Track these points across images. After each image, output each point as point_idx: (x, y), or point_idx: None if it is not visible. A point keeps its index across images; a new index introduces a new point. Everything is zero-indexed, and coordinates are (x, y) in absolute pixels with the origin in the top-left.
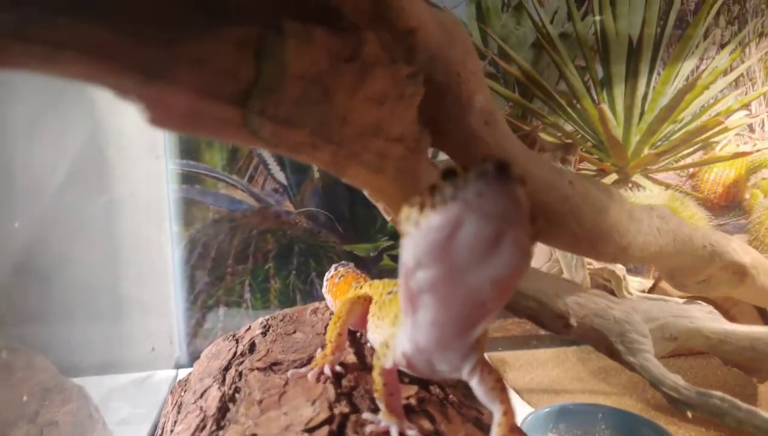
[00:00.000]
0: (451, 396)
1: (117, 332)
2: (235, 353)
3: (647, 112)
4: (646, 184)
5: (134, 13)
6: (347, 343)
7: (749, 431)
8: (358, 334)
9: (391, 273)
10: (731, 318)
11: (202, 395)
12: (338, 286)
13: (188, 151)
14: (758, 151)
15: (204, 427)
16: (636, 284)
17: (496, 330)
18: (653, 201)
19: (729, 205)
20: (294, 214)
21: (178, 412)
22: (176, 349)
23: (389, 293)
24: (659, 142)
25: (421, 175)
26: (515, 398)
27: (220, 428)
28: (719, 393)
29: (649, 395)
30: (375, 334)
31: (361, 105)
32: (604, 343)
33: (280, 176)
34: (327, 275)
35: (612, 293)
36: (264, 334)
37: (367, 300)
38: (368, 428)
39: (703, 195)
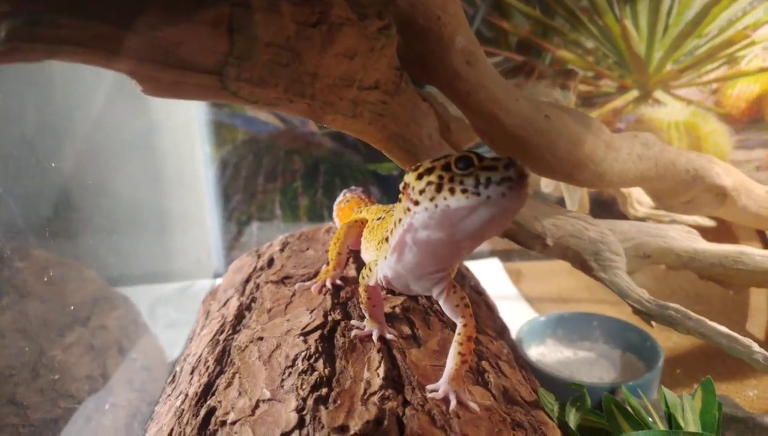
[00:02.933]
0: (435, 305)
1: (161, 245)
2: (255, 267)
3: (671, 26)
4: (667, 101)
5: (121, 7)
6: (350, 259)
7: (697, 337)
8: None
9: None
10: (735, 238)
11: (224, 304)
12: (343, 210)
13: None
14: None
15: (223, 331)
16: (647, 199)
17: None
18: (674, 117)
19: (752, 120)
20: (319, 135)
21: (206, 318)
22: (214, 260)
23: (378, 219)
24: (683, 58)
25: (403, 115)
26: (525, 307)
27: (235, 332)
28: (675, 305)
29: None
30: (365, 254)
31: (331, 61)
32: (579, 260)
33: None
34: (336, 201)
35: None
36: (282, 250)
37: (363, 223)
38: (354, 332)
39: (725, 110)
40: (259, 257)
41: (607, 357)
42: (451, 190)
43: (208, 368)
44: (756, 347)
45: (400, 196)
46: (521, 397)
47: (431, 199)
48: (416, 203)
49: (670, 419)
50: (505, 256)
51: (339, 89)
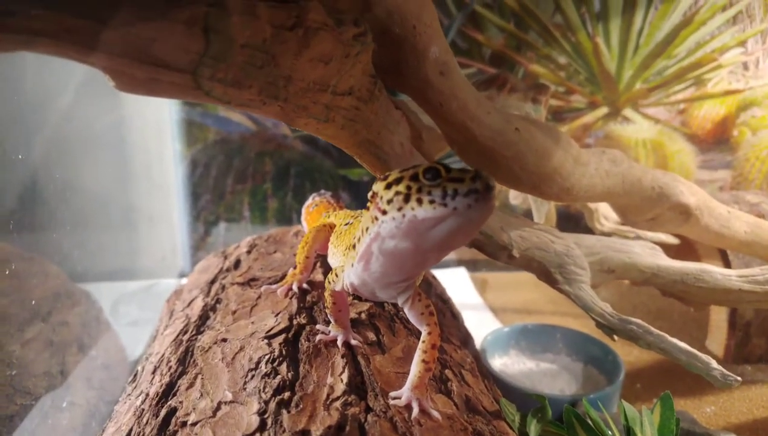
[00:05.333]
0: (401, 312)
1: (126, 242)
2: (222, 268)
3: (642, 46)
4: (635, 118)
5: (97, 2)
6: (317, 264)
7: (657, 352)
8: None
9: None
10: (697, 256)
11: (189, 304)
12: (312, 214)
13: None
14: (750, 88)
15: (186, 331)
16: (614, 214)
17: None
18: (642, 135)
19: (717, 141)
20: (290, 138)
21: (170, 318)
22: (180, 260)
23: (346, 224)
24: (652, 77)
25: (375, 122)
26: (490, 317)
27: (199, 332)
28: (637, 320)
29: None
30: (332, 259)
31: (306, 65)
32: (544, 272)
33: None
34: (305, 204)
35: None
36: (249, 252)
37: (330, 228)
38: (318, 337)
39: (691, 131)
40: (225, 258)
41: (569, 369)
42: (419, 201)
43: (170, 368)
44: (714, 363)
45: (369, 204)
46: (483, 407)
47: (399, 209)
48: (384, 213)
49: (629, 433)
50: (472, 266)
51: (313, 93)
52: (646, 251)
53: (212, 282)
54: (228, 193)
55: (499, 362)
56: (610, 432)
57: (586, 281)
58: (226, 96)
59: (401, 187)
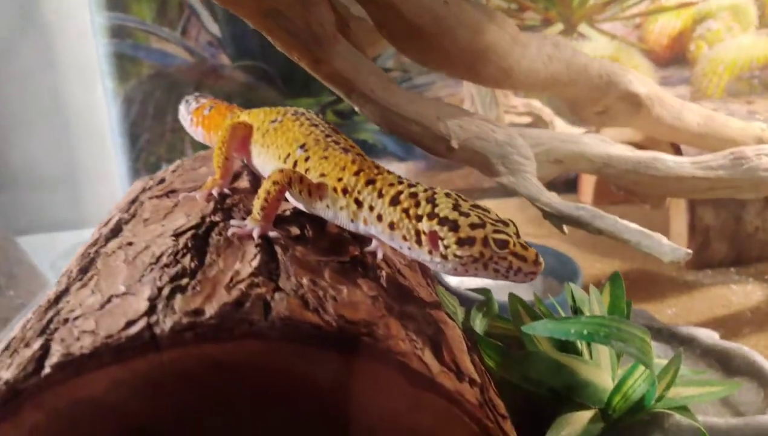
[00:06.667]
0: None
1: (64, 193)
2: (145, 188)
3: None
4: (591, 35)
5: None
6: (244, 173)
7: (608, 236)
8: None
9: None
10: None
11: (106, 223)
12: (210, 118)
13: (116, 2)
14: (704, 0)
15: (96, 243)
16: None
17: (442, 183)
18: (599, 52)
19: (674, 56)
20: (230, 68)
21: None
22: None
23: (273, 122)
24: None
25: None
26: None
27: (107, 242)
28: (586, 205)
29: (577, 237)
30: (259, 159)
31: None
32: (486, 164)
33: (214, 28)
34: (188, 109)
35: None
36: (174, 171)
37: (248, 127)
38: (231, 230)
39: (648, 46)
40: (151, 179)
41: (528, 282)
42: (485, 266)
43: (69, 277)
44: (665, 240)
45: (405, 215)
46: (419, 296)
47: (464, 265)
48: (445, 258)
49: (576, 313)
50: None
51: None
52: (596, 141)
53: (133, 201)
54: (168, 132)
55: (456, 279)
56: (557, 316)
57: (532, 172)
58: None
59: (474, 252)
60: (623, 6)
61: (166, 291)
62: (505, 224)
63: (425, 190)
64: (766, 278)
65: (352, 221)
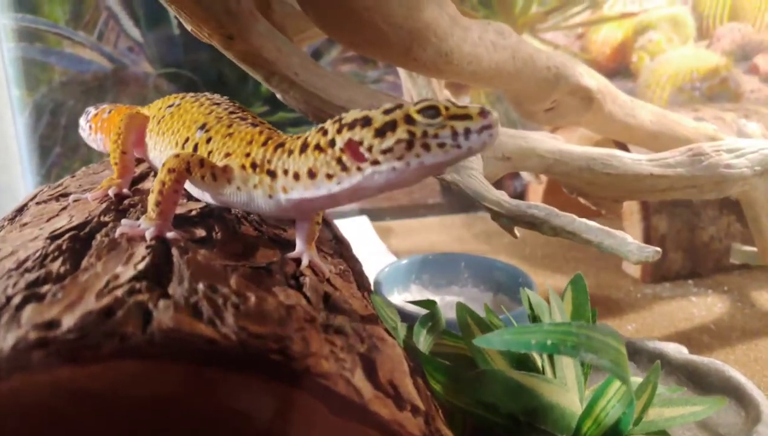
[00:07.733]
0: (254, 216)
1: None
2: (37, 193)
3: None
4: (534, 44)
5: None
6: (151, 174)
7: (565, 237)
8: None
9: None
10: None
11: None
12: (109, 119)
13: (24, 3)
14: (645, 11)
15: None
16: None
17: (384, 200)
18: None
19: (617, 67)
20: (153, 76)
21: None
22: None
23: (170, 107)
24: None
25: None
26: (392, 259)
27: None
28: (539, 203)
29: (526, 252)
30: (155, 151)
31: None
32: None
33: (135, 33)
34: (87, 118)
35: None
36: (74, 175)
37: (144, 117)
38: (119, 230)
39: (591, 56)
40: (50, 186)
41: (478, 300)
42: (425, 146)
43: None
44: (630, 238)
45: (318, 151)
46: (352, 308)
47: (400, 158)
48: (375, 163)
49: (534, 321)
50: (375, 214)
51: None
52: (546, 138)
53: (21, 209)
54: (83, 145)
55: (399, 298)
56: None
57: (478, 169)
58: None
59: (401, 134)
60: (565, 15)
61: (16, 300)
62: (427, 100)
63: (333, 122)
64: (725, 289)
65: (270, 196)
